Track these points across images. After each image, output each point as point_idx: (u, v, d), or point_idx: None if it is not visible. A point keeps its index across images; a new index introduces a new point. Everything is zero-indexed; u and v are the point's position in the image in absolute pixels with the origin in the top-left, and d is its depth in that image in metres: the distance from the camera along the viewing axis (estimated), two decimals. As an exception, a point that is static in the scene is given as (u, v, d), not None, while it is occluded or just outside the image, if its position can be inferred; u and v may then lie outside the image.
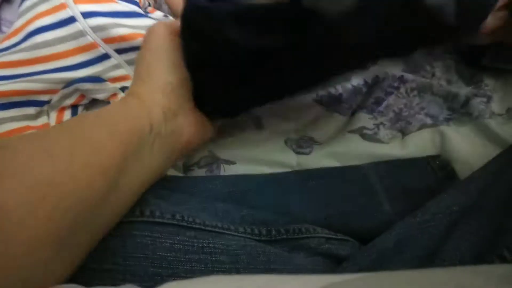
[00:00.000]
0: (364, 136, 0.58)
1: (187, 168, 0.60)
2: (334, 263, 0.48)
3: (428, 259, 0.41)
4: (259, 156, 0.58)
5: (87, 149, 0.35)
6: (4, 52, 0.61)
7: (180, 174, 0.59)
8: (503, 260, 0.35)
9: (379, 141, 0.57)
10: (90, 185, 0.33)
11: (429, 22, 0.40)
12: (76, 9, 0.59)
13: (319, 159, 0.57)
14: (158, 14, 0.68)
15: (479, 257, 0.38)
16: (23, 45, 0.60)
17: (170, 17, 0.69)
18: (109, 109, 0.42)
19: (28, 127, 0.61)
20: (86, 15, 0.59)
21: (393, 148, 0.56)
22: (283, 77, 0.47)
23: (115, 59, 0.62)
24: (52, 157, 0.32)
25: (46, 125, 0.64)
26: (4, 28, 0.69)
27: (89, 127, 0.38)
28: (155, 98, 0.45)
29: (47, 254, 0.30)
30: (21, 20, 0.61)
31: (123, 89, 0.64)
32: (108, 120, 0.40)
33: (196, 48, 0.45)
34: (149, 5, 0.68)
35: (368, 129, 0.58)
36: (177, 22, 0.47)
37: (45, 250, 0.29)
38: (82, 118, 0.39)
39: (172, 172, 0.58)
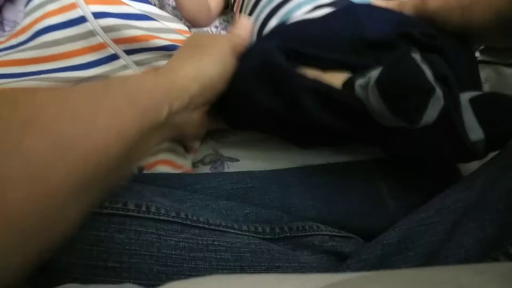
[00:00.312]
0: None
1: (192, 165, 0.60)
2: (338, 261, 0.48)
3: (432, 255, 0.41)
4: (262, 153, 0.58)
5: (107, 114, 0.35)
6: (10, 50, 0.61)
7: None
8: (508, 257, 0.35)
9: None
10: (107, 148, 0.34)
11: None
12: (87, 9, 0.59)
13: (322, 155, 0.57)
14: (164, 14, 0.67)
15: (484, 253, 0.38)
16: (31, 44, 0.60)
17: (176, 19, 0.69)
18: (135, 79, 0.43)
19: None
20: (97, 15, 0.59)
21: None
22: (306, 134, 0.52)
23: (124, 59, 0.62)
24: (75, 118, 0.33)
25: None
26: (6, 28, 0.70)
27: (113, 93, 0.38)
28: (188, 83, 0.45)
29: (63, 201, 0.31)
30: (28, 18, 0.61)
31: (130, 89, 0.64)
32: (131, 90, 0.40)
33: (251, 86, 0.49)
34: (154, 5, 0.68)
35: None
36: (238, 40, 0.52)
37: (62, 198, 0.31)
38: (107, 83, 0.40)
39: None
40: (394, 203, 0.51)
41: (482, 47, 0.58)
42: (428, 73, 0.40)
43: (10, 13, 0.70)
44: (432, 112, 0.41)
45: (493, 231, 0.38)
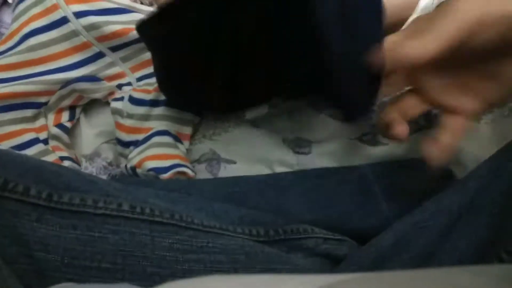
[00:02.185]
0: (363, 142, 0.58)
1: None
2: (332, 263, 0.49)
3: (427, 258, 0.42)
4: (259, 156, 0.59)
5: None
6: (0, 56, 0.61)
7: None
8: (501, 261, 0.35)
9: (378, 143, 0.57)
10: None
11: None
12: (68, 10, 0.59)
13: (318, 159, 0.57)
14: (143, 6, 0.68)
15: (479, 257, 0.38)
16: (18, 48, 0.60)
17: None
18: None
19: (26, 130, 0.62)
20: (78, 14, 0.60)
21: (392, 149, 0.57)
22: None
23: (110, 56, 0.62)
24: None
25: (44, 127, 0.64)
26: (3, 30, 0.70)
27: None
28: None
29: None
30: (15, 23, 0.62)
31: (119, 86, 0.64)
32: None
33: None
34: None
35: (366, 134, 0.58)
36: None
37: None
38: None
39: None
40: (388, 207, 0.52)
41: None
42: None
43: (7, 16, 0.70)
44: None
45: (488, 235, 0.39)
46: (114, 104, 0.63)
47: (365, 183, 0.54)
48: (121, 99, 0.62)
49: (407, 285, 0.25)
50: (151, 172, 0.57)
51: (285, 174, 0.57)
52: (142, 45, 0.62)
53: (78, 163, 0.64)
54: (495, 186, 0.41)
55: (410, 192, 0.53)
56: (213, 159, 0.60)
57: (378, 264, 0.44)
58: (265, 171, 0.57)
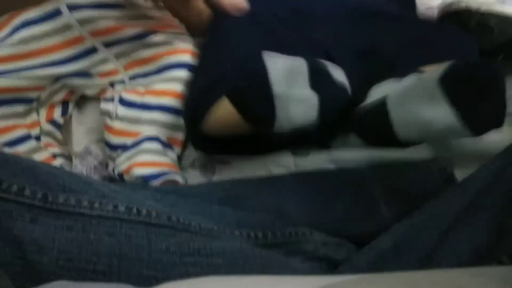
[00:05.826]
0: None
1: (177, 162, 0.61)
2: (331, 267, 0.50)
3: (426, 261, 0.43)
4: (255, 156, 0.59)
5: None
6: (-10, 48, 0.62)
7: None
8: (501, 265, 0.36)
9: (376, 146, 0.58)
10: None
11: None
12: (62, 2, 0.60)
13: (316, 161, 0.58)
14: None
15: (478, 259, 0.39)
16: (9, 40, 0.61)
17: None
18: None
19: (17, 126, 0.62)
20: (72, 7, 0.60)
21: (391, 152, 0.57)
22: None
23: (103, 52, 0.63)
24: None
25: (36, 123, 0.64)
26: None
27: None
28: None
29: None
30: (5, 15, 0.62)
31: (112, 84, 0.65)
32: None
33: None
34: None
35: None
36: None
37: None
38: None
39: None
40: (388, 210, 0.53)
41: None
42: None
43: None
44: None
45: (487, 238, 0.40)
46: (104, 105, 0.63)
47: (365, 186, 0.54)
48: (111, 100, 0.63)
49: (408, 286, 0.26)
50: (139, 179, 0.58)
51: (283, 176, 0.57)
52: (137, 42, 0.62)
53: (71, 160, 0.65)
54: (495, 189, 0.42)
55: (410, 195, 0.54)
56: (207, 164, 0.61)
57: (377, 267, 0.45)
58: (261, 172, 0.58)
